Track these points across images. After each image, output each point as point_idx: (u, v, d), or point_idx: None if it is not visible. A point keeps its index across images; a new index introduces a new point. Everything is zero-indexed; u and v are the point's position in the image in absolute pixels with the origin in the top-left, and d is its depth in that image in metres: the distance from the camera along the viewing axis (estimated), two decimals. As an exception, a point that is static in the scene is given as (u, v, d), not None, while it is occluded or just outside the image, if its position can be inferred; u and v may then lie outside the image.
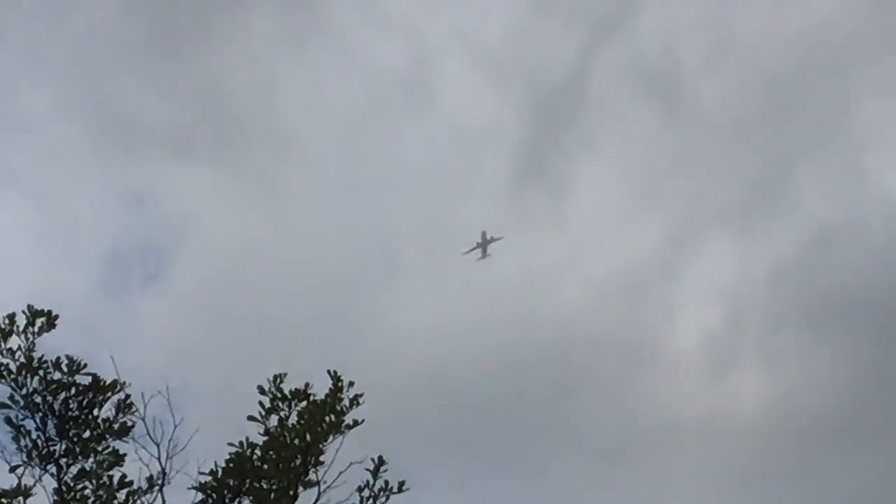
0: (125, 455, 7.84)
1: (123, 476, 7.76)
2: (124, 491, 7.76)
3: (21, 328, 7.79)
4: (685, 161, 58.49)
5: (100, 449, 7.84)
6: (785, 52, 57.94)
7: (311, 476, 7.78)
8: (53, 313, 7.79)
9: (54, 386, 7.64)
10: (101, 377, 7.76)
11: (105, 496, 7.73)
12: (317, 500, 7.74)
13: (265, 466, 7.68)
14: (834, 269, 51.18)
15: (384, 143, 62.95)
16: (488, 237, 54.95)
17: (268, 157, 60.55)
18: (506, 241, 53.64)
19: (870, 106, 56.88)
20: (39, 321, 7.83)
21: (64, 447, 7.64)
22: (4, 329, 7.75)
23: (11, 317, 7.82)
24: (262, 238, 56.59)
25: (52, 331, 7.65)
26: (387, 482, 7.86)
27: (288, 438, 7.75)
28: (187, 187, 57.34)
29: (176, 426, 7.55)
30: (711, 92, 59.07)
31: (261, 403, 7.91)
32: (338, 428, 7.99)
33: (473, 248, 55.22)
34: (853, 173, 54.14)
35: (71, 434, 7.69)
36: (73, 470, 7.64)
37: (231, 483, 7.55)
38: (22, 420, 7.53)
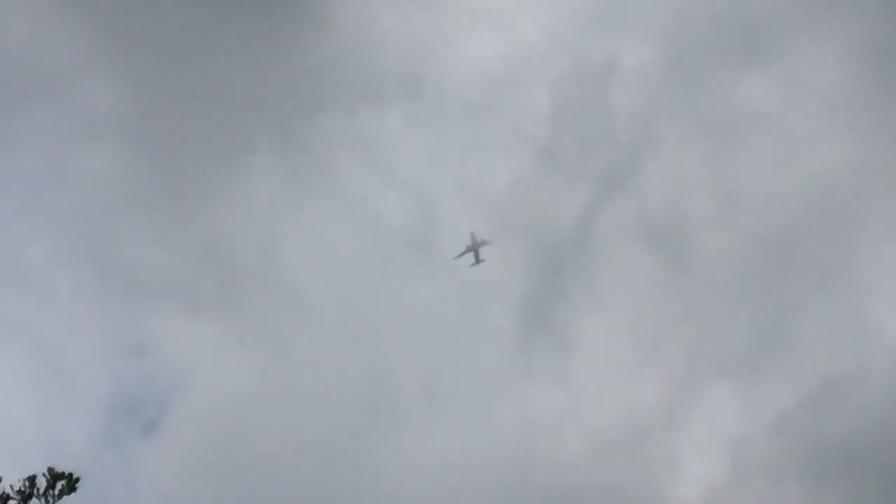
0: None
1: None
2: None
3: (41, 490, 8.67)
4: (689, 311, 61.34)
5: None
6: (787, 203, 61.29)
7: None
8: (74, 476, 8.82)
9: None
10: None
11: None
12: None
13: None
14: (837, 419, 53.21)
15: (387, 295, 65.55)
16: (478, 239, 56.55)
17: (269, 307, 63.47)
18: (493, 247, 55.47)
19: (872, 255, 59.63)
20: (60, 484, 8.80)
21: None
22: (24, 492, 8.59)
23: (32, 479, 8.68)
24: (262, 387, 59.38)
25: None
26: None
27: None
28: (188, 336, 60.23)
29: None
30: (716, 243, 62.42)
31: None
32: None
33: (464, 253, 56.85)
34: (856, 322, 57.08)
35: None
36: None
37: None
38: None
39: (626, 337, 63.94)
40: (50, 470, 8.40)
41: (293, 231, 68.95)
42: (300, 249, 68.46)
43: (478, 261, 58.88)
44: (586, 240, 64.24)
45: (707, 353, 63.28)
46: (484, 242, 58.27)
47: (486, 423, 58.61)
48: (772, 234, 62.66)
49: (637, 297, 63.93)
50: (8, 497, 8.27)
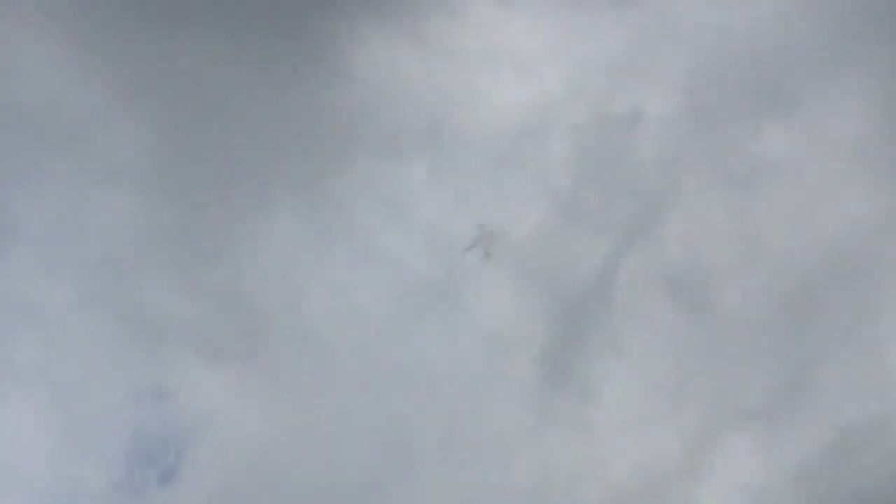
0: None
1: None
2: None
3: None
4: (709, 361, 62.76)
5: None
6: (809, 254, 63.08)
7: None
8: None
9: None
10: None
11: None
12: None
13: None
14: (859, 469, 54.68)
15: (408, 344, 67.48)
16: (488, 230, 56.54)
17: (291, 355, 65.25)
18: (507, 239, 56.02)
19: (893, 306, 61.03)
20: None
21: None
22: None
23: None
24: (282, 435, 61.34)
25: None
26: None
27: None
28: (208, 384, 62.16)
29: None
30: (737, 293, 64.16)
31: None
32: None
33: (472, 247, 57.30)
34: (877, 373, 58.62)
35: None
36: None
37: None
38: None
39: (646, 386, 65.70)
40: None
41: (315, 280, 71.29)
42: (322, 298, 70.74)
43: (488, 254, 59.21)
44: (607, 289, 66.25)
45: (728, 402, 64.97)
46: (493, 234, 58.66)
47: (505, 471, 60.44)
48: (793, 285, 64.81)
49: (657, 346, 65.84)
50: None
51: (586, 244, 73.01)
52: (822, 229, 68.16)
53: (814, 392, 64.53)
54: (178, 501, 63.98)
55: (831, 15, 74.49)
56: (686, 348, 67.38)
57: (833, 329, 64.69)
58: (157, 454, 67.82)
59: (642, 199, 74.08)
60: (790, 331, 66.03)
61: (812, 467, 61.05)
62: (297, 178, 76.26)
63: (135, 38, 73.72)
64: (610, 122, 75.28)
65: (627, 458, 64.43)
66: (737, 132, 74.75)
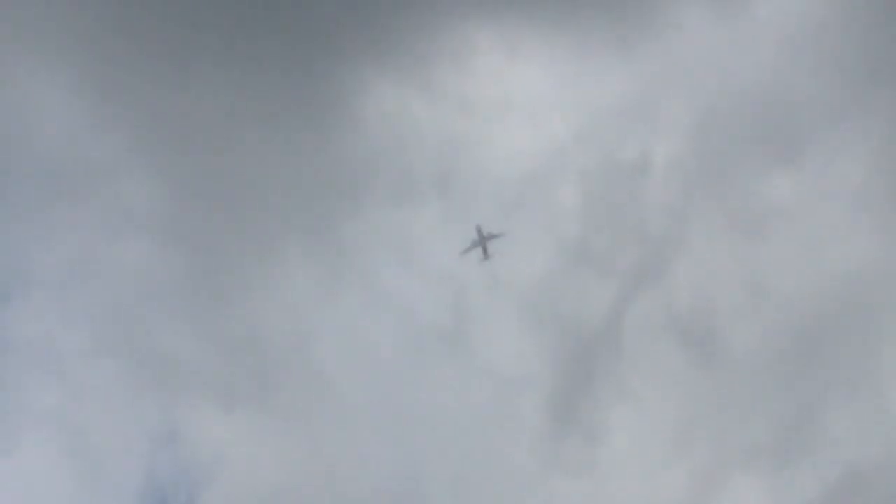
0: None
1: None
2: None
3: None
4: (716, 404, 65.14)
5: None
6: (815, 297, 65.45)
7: None
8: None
9: None
10: None
11: None
12: None
13: None
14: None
15: (419, 388, 69.80)
16: (485, 233, 57.22)
17: (302, 400, 67.87)
18: (504, 240, 56.98)
19: (900, 349, 63.02)
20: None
21: None
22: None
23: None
24: (294, 479, 63.53)
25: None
26: None
27: None
28: (221, 427, 64.62)
29: None
30: (743, 337, 66.65)
31: None
32: None
33: (470, 248, 58.21)
34: (883, 415, 60.44)
35: None
36: None
37: None
38: None
39: (653, 429, 67.64)
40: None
41: (327, 325, 73.61)
42: (334, 343, 73.04)
43: (487, 256, 59.95)
44: (615, 333, 68.48)
45: (734, 444, 66.92)
46: (492, 236, 59.46)
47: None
48: (799, 328, 66.99)
49: (664, 389, 67.98)
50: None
51: (594, 289, 75.32)
52: (827, 274, 70.53)
53: (819, 434, 66.48)
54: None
55: (835, 64, 77.12)
56: (693, 391, 69.48)
57: (838, 372, 66.79)
58: (170, 496, 69.86)
59: (650, 244, 76.43)
60: (796, 373, 68.24)
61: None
62: (308, 225, 78.78)
63: (148, 88, 76.39)
64: (617, 168, 77.77)
65: (635, 499, 66.25)
66: (742, 178, 77.17)
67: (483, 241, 59.69)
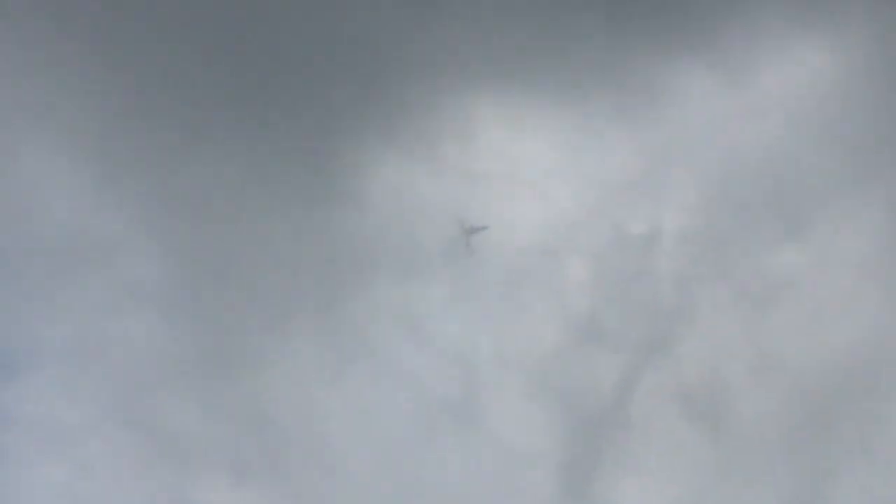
0: None
1: None
2: None
3: None
4: (725, 475, 68.13)
5: None
6: (823, 369, 68.50)
7: None
8: None
9: None
10: None
11: None
12: None
13: None
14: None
15: (427, 463, 72.38)
16: (466, 225, 56.70)
17: (310, 474, 70.28)
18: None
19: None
20: None
21: None
22: None
23: None
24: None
25: None
26: None
27: None
28: (229, 502, 66.08)
29: None
30: (752, 408, 69.45)
31: None
32: None
33: (454, 241, 57.90)
34: (891, 487, 62.60)
35: None
36: None
37: None
38: None
39: (662, 501, 70.24)
40: None
41: (335, 399, 76.36)
42: (342, 418, 75.77)
43: (470, 248, 59.69)
44: (623, 405, 71.38)
45: (744, 516, 69.82)
46: (474, 229, 59.28)
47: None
48: (808, 400, 70.00)
49: (673, 461, 70.75)
50: None
51: (603, 361, 78.45)
52: (835, 345, 73.96)
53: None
54: None
55: (843, 136, 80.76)
56: (702, 462, 72.36)
57: (847, 443, 69.83)
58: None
59: (658, 317, 79.70)
60: (805, 445, 71.31)
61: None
62: (316, 300, 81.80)
63: (153, 164, 79.84)
64: (624, 240, 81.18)
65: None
66: (750, 250, 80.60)
67: (466, 234, 59.35)
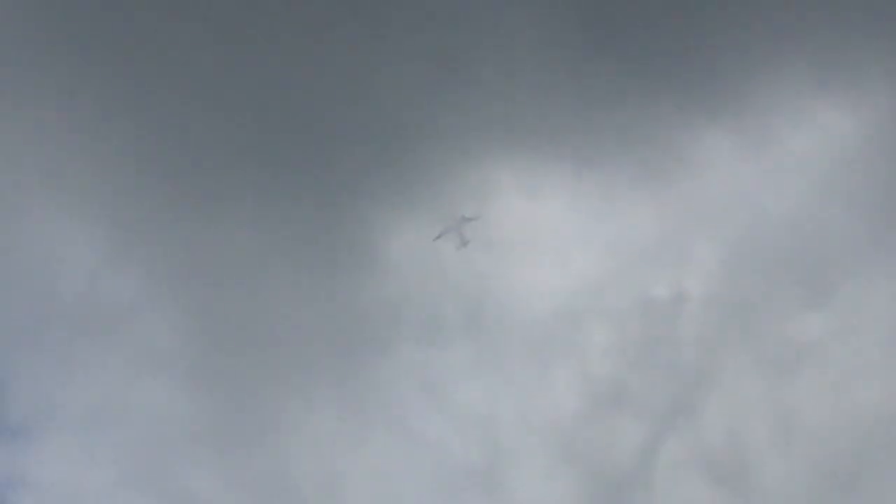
0: None
1: None
2: None
3: None
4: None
5: None
6: (847, 433, 71.16)
7: None
8: None
9: None
10: None
11: None
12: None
13: None
14: None
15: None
16: (458, 215, 57.24)
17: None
18: (481, 222, 57.19)
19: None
20: None
21: None
22: None
23: None
24: None
25: None
26: None
27: None
28: None
29: None
30: (775, 473, 71.70)
31: None
32: None
33: (443, 234, 58.52)
34: None
35: None
36: None
37: None
38: None
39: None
40: None
41: (356, 466, 78.56)
42: (363, 484, 78.00)
43: (463, 243, 60.14)
44: (646, 471, 73.77)
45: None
46: (466, 219, 59.74)
47: None
48: (831, 466, 72.24)
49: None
50: None
51: (626, 426, 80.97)
52: (859, 411, 76.35)
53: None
54: None
55: (865, 203, 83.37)
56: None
57: (874, 502, 72.26)
58: None
59: (681, 382, 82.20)
60: (831, 506, 74.00)
61: None
62: (337, 366, 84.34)
63: (171, 228, 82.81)
64: (647, 305, 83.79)
65: None
66: (774, 315, 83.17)
67: (457, 225, 59.67)
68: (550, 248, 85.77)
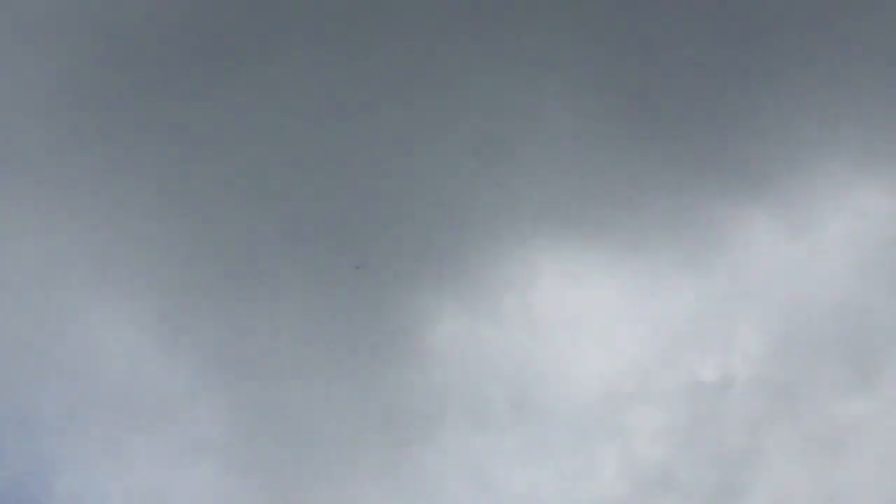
0: None
1: None
2: None
3: None
4: None
5: None
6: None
7: None
8: None
9: None
10: None
11: None
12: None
13: None
14: None
15: None
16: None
17: None
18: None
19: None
20: None
21: None
22: None
23: None
24: None
25: None
26: None
27: None
28: None
29: None
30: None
31: None
32: None
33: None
34: None
35: None
36: None
37: None
38: None
39: None
40: None
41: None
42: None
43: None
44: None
45: None
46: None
47: None
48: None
49: None
50: None
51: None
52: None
53: None
54: None
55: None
56: None
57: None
58: None
59: (727, 465, 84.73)
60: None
61: None
62: (381, 454, 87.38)
63: (216, 317, 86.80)
64: (691, 388, 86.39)
65: None
66: (820, 396, 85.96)
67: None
68: (595, 332, 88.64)
